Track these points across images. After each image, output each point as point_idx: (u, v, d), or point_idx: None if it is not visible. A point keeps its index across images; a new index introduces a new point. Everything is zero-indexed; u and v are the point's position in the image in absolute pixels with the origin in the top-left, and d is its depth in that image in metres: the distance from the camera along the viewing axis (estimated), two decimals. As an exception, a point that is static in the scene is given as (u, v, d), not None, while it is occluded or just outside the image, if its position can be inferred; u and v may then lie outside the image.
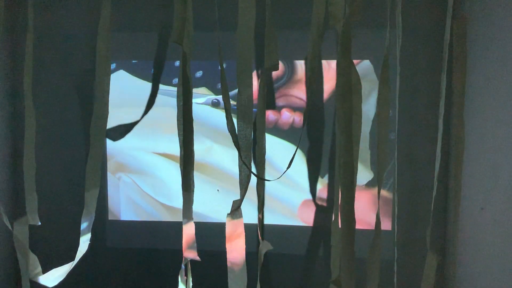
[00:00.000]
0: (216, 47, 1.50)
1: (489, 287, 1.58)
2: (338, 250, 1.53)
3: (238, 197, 1.52)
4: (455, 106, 1.54)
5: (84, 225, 1.62)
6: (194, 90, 1.70)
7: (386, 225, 1.99)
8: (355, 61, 1.39)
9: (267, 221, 2.06)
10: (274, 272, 2.08)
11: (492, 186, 1.56)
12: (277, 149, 2.04)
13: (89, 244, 1.62)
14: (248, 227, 1.55)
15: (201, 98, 2.06)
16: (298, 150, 1.79)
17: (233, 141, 1.42)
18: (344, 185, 1.34)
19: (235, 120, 1.47)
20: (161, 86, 2.08)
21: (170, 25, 1.98)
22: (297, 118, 2.04)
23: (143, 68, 2.10)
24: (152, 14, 2.08)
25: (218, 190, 2.10)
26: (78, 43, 2.10)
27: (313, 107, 1.99)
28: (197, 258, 1.53)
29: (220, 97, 2.06)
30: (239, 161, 1.49)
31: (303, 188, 2.06)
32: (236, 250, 1.51)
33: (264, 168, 1.70)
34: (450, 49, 1.50)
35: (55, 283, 1.61)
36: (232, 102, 1.77)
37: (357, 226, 1.36)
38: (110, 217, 2.17)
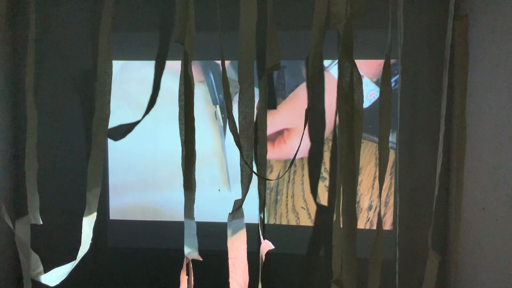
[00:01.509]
0: (218, 47, 1.50)
1: (491, 287, 1.58)
2: (340, 250, 1.53)
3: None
4: (456, 106, 1.54)
5: (85, 225, 1.62)
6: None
7: (387, 225, 1.99)
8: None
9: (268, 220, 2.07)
10: (276, 271, 2.08)
11: (493, 186, 1.56)
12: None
13: (91, 243, 1.62)
14: (249, 227, 1.55)
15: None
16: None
17: (235, 141, 1.43)
18: (345, 184, 1.34)
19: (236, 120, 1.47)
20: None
21: (172, 25, 2.01)
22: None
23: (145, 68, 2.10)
24: (153, 14, 2.08)
25: (219, 190, 2.10)
26: (79, 43, 2.11)
27: (314, 107, 1.99)
28: (199, 257, 1.53)
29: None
30: (240, 160, 1.49)
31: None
32: (237, 249, 1.51)
33: (265, 168, 1.70)
34: (451, 49, 1.50)
35: (57, 282, 1.62)
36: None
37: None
38: (111, 217, 2.17)
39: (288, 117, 2.03)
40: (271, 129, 2.02)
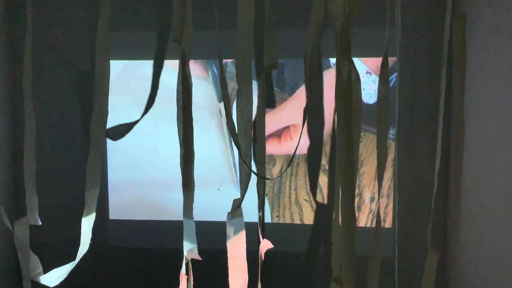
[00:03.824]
0: (215, 46, 1.49)
1: (490, 284, 1.58)
2: (339, 248, 1.53)
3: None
4: (455, 103, 1.54)
5: (84, 225, 1.61)
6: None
7: (387, 222, 1.99)
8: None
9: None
10: (275, 270, 2.08)
11: (492, 183, 1.56)
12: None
13: (90, 243, 1.62)
14: (248, 226, 1.55)
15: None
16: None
17: (233, 140, 1.43)
18: (344, 183, 1.34)
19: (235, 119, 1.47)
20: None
21: (169, 24, 2.00)
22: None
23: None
24: (151, 13, 2.08)
25: (218, 189, 2.10)
26: (77, 43, 2.10)
27: (313, 105, 1.99)
28: (198, 257, 1.53)
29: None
30: (239, 159, 1.49)
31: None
32: (237, 248, 1.51)
33: (264, 167, 1.70)
34: (449, 46, 1.50)
35: (56, 283, 1.61)
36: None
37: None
38: (111, 217, 2.17)
39: (295, 113, 2.05)
40: (277, 125, 2.05)
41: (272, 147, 2.05)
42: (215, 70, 2.07)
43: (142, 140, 2.13)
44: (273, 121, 2.04)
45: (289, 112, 2.05)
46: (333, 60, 2.00)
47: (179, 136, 1.52)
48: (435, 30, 1.83)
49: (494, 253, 1.54)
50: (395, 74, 1.88)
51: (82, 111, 2.11)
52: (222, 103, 2.07)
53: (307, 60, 1.50)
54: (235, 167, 2.09)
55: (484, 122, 1.63)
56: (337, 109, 1.37)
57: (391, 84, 1.68)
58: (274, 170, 2.07)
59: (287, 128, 2.06)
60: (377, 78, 1.93)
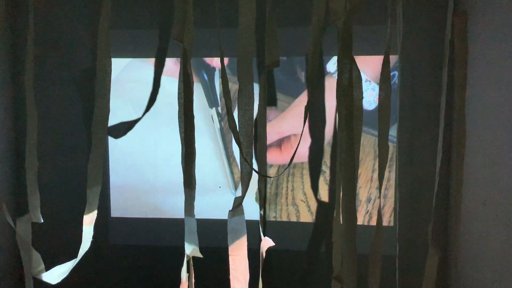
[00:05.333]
0: (216, 44, 1.49)
1: (492, 283, 1.58)
2: (340, 246, 1.53)
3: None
4: (456, 102, 1.54)
5: (86, 223, 1.62)
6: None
7: (386, 217, 1.99)
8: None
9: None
10: (276, 268, 2.08)
11: (494, 181, 1.56)
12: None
13: (92, 241, 1.63)
14: (249, 224, 1.55)
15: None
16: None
17: (234, 138, 1.43)
18: (345, 181, 1.34)
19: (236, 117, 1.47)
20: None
21: (170, 22, 2.00)
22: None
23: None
24: (152, 11, 2.08)
25: (220, 187, 2.10)
26: (79, 41, 2.10)
27: (314, 104, 1.99)
28: (199, 254, 1.53)
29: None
30: (240, 157, 1.49)
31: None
32: (238, 246, 1.51)
33: (265, 165, 1.70)
34: (451, 45, 1.50)
35: (58, 280, 1.62)
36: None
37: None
38: (112, 215, 2.17)
39: (295, 123, 2.04)
40: (279, 135, 2.05)
41: (273, 157, 2.05)
42: (205, 76, 2.06)
43: (142, 144, 2.13)
44: (274, 131, 2.04)
45: (289, 122, 2.04)
46: (329, 67, 2.00)
47: (180, 134, 1.52)
48: (437, 28, 1.83)
49: (496, 252, 1.54)
50: (394, 72, 1.88)
51: (84, 109, 2.12)
52: (214, 109, 2.07)
53: (308, 58, 1.50)
54: (231, 171, 2.09)
55: (485, 120, 1.63)
56: (339, 107, 1.37)
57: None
58: (271, 171, 2.07)
59: (288, 137, 2.05)
60: (376, 86, 1.93)
